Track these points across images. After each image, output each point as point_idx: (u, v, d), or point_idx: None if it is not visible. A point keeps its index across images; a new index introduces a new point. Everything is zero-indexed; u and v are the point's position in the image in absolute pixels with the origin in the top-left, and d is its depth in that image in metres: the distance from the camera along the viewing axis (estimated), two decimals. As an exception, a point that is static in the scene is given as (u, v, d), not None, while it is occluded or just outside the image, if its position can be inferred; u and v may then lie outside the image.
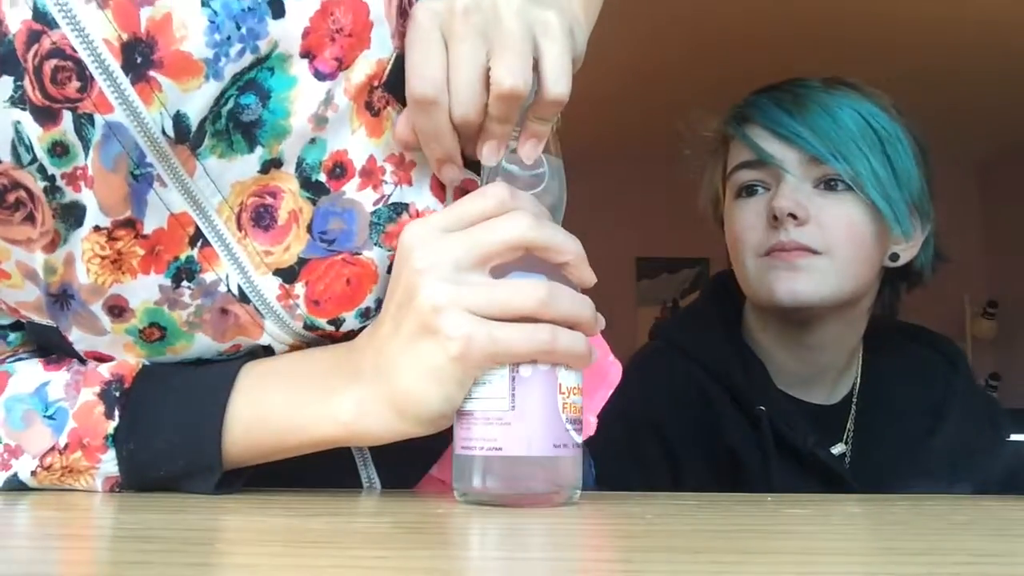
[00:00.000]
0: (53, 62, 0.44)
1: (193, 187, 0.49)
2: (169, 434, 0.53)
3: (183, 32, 0.45)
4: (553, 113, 0.51)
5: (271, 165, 0.50)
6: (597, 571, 0.34)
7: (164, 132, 0.47)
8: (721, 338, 0.99)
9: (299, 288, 0.53)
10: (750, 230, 0.93)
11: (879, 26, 3.04)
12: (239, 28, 0.45)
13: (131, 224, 0.49)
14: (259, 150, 0.49)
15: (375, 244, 0.54)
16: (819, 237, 0.89)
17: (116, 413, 0.53)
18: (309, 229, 0.52)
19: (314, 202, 0.52)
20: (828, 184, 0.91)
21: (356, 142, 0.52)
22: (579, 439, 0.49)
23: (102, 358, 0.56)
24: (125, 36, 0.44)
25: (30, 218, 0.48)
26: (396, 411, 0.50)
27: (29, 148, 0.46)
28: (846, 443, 0.96)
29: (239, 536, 0.42)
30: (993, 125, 3.96)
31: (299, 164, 0.50)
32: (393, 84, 0.52)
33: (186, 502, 0.51)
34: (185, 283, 0.52)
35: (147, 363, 0.55)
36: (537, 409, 0.48)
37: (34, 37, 0.44)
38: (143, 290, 0.52)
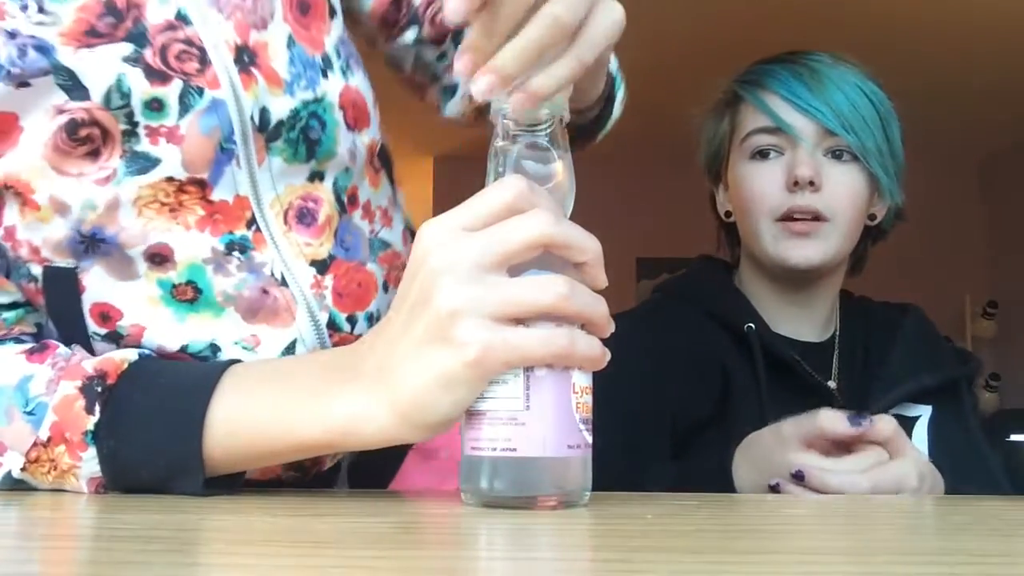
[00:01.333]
0: (181, 46, 0.56)
1: (258, 176, 0.60)
2: (150, 433, 0.52)
3: (274, 58, 0.60)
4: (594, 49, 0.49)
5: (315, 177, 0.63)
6: (598, 571, 0.34)
7: (252, 117, 0.58)
8: (711, 281, 1.10)
9: (328, 280, 0.64)
10: (767, 194, 1.01)
11: (881, 27, 3.04)
12: (305, 71, 0.61)
13: (202, 185, 0.57)
14: (312, 163, 0.62)
15: (373, 261, 0.67)
16: (827, 203, 0.99)
17: (97, 409, 0.53)
18: (335, 235, 0.64)
19: (340, 215, 0.65)
20: (835, 153, 1.00)
21: (363, 185, 0.67)
22: (590, 439, 0.49)
23: (108, 314, 0.56)
24: (239, 42, 0.59)
25: (93, 154, 0.55)
26: (397, 415, 0.48)
27: (125, 95, 0.55)
28: (835, 380, 1.05)
29: (239, 536, 0.42)
30: (994, 125, 3.96)
31: (334, 183, 0.64)
32: (383, 158, 0.70)
33: (186, 502, 0.51)
34: (236, 254, 0.59)
35: (134, 360, 0.55)
36: (552, 409, 0.47)
37: (170, 28, 0.56)
38: (194, 244, 0.58)
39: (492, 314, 0.46)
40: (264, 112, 0.59)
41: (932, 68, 3.26)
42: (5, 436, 0.54)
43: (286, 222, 0.61)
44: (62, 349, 0.57)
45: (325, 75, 0.62)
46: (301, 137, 0.60)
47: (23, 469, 0.54)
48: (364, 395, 0.50)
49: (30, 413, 0.54)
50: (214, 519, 0.46)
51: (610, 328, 0.50)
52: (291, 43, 0.61)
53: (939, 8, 2.94)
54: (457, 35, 0.75)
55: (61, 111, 0.54)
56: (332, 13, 0.66)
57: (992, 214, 4.49)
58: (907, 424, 1.00)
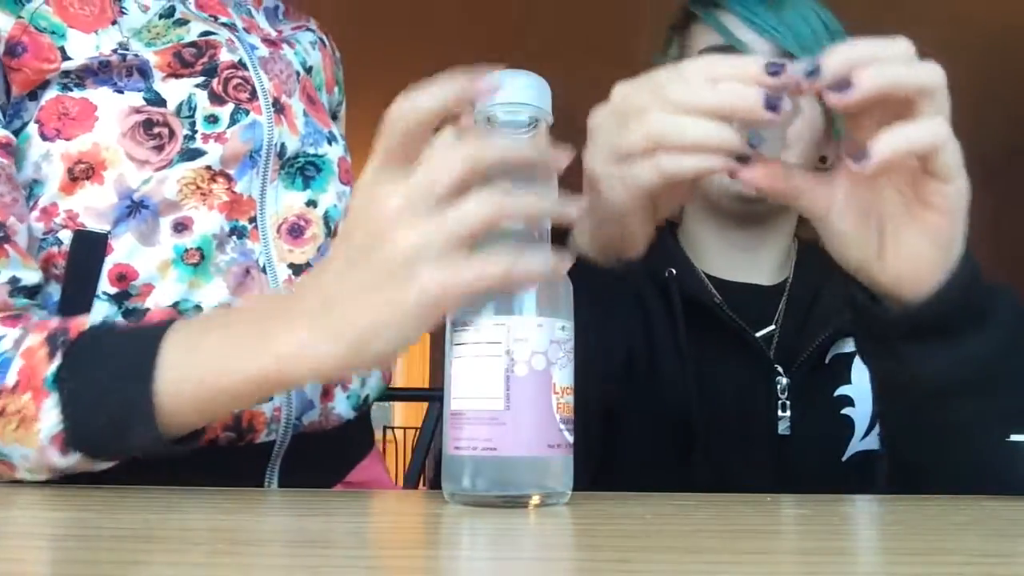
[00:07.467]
0: (238, 81, 0.75)
1: (267, 190, 0.75)
2: (105, 373, 0.56)
3: (296, 117, 0.80)
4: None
5: (311, 204, 0.79)
6: (596, 571, 0.34)
7: (274, 143, 0.76)
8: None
9: (300, 279, 0.76)
10: None
11: (879, 29, 3.04)
12: (313, 134, 0.81)
13: (229, 178, 0.72)
14: (308, 192, 0.79)
15: None
16: None
17: (59, 355, 0.57)
18: (318, 250, 0.78)
19: (325, 238, 0.79)
20: None
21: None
22: (571, 439, 0.49)
23: (125, 274, 0.67)
24: (275, 95, 0.78)
25: (158, 148, 0.69)
26: (342, 345, 0.49)
27: (192, 109, 0.71)
28: (776, 324, 0.98)
29: (238, 536, 0.42)
30: (996, 126, 3.96)
31: (325, 214, 0.79)
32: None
33: (185, 502, 0.51)
34: (235, 238, 0.72)
35: (96, 323, 0.60)
36: (532, 409, 0.47)
37: (234, 67, 0.76)
38: (210, 221, 0.71)
39: (444, 246, 0.47)
40: (283, 145, 0.77)
41: (932, 68, 3.27)
42: None
43: (278, 232, 0.76)
44: (37, 314, 0.63)
45: (330, 143, 0.82)
46: (298, 173, 0.79)
47: None
48: (307, 330, 0.51)
49: None
50: (214, 519, 0.46)
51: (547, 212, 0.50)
52: (305, 115, 0.81)
53: (938, 9, 2.94)
54: None
55: (138, 111, 0.69)
56: (333, 117, 0.89)
57: (991, 214, 4.49)
58: (844, 361, 0.94)
